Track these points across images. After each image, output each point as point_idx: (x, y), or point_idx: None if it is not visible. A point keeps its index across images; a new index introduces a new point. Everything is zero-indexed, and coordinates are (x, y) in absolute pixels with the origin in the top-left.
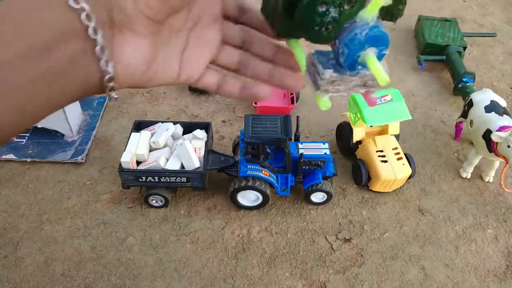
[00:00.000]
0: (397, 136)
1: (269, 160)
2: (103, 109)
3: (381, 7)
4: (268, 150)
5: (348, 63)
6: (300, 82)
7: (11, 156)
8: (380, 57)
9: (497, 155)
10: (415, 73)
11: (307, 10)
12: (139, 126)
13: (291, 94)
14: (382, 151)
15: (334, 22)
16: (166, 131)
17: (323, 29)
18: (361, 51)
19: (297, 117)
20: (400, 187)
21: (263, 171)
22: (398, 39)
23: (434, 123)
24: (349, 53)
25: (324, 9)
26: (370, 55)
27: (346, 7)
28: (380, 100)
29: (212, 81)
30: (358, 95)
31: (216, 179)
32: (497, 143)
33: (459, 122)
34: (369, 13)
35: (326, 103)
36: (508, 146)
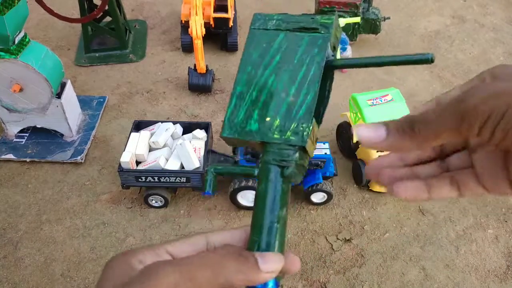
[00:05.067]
0: None
1: None
2: (102, 109)
3: (365, 26)
4: None
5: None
6: None
7: (10, 156)
8: (343, 49)
9: None
10: (416, 73)
11: None
12: (138, 126)
13: None
14: (382, 151)
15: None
16: (166, 131)
17: None
18: None
19: None
20: None
21: None
22: (398, 39)
23: None
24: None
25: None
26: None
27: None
28: (381, 100)
29: None
30: (359, 96)
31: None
32: None
33: None
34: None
35: None
36: None
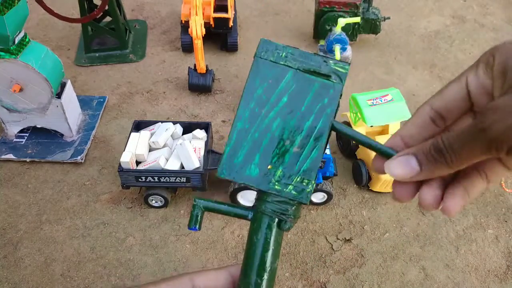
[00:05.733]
0: None
1: None
2: (102, 109)
3: (365, 26)
4: None
5: (329, 50)
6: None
7: (10, 156)
8: (343, 49)
9: None
10: (416, 73)
11: None
12: (138, 126)
13: None
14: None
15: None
16: (166, 131)
17: None
18: (333, 45)
19: None
20: None
21: None
22: (398, 39)
23: None
24: (328, 45)
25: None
26: (336, 47)
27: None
28: (381, 100)
29: None
30: (359, 96)
31: (216, 179)
32: None
33: None
34: (338, 29)
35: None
36: None
